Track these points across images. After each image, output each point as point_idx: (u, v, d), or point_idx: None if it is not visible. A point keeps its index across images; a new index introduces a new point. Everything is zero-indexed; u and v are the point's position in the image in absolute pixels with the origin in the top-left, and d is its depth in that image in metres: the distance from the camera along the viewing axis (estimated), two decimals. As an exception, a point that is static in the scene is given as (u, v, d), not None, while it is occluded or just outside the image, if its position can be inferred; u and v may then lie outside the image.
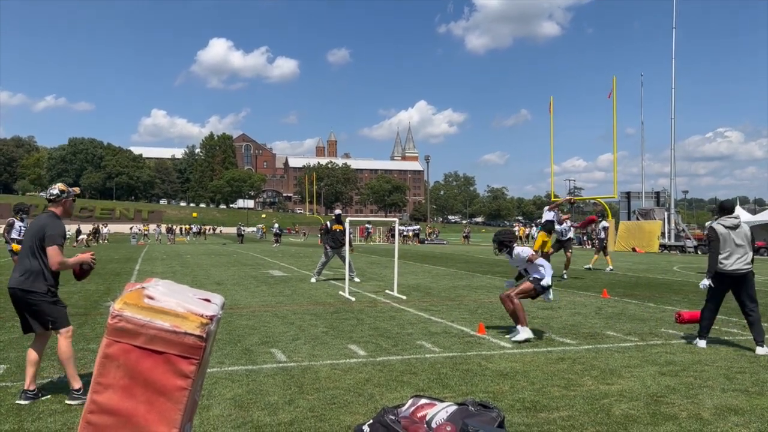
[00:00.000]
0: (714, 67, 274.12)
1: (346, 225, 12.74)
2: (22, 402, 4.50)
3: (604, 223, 18.98)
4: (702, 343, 6.67)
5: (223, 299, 2.81)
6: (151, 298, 2.46)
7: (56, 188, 4.84)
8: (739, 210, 37.51)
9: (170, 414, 2.39)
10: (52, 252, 4.58)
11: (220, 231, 78.60)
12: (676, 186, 37.64)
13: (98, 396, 2.38)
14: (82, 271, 4.85)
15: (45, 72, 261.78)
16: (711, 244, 6.68)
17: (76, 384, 4.55)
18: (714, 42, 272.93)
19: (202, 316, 2.46)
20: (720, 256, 6.61)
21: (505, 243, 7.37)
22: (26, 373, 4.64)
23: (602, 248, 18.37)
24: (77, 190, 5.11)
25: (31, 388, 4.60)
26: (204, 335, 2.43)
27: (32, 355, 4.67)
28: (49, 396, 4.69)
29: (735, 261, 6.53)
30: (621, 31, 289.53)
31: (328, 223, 14.34)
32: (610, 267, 17.83)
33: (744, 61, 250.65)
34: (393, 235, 49.90)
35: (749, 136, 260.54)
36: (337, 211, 14.36)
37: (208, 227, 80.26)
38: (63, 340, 4.64)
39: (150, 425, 2.37)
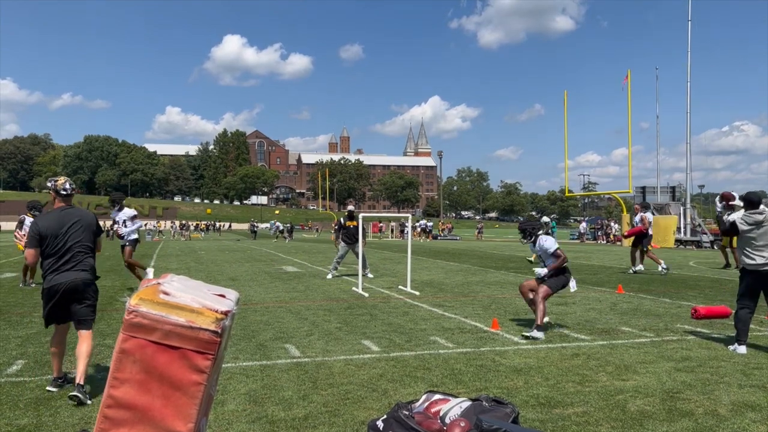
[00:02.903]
0: (730, 59, 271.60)
1: (360, 221, 12.74)
2: (52, 389, 4.74)
3: (544, 218, 19.89)
4: (742, 349, 6.12)
5: (238, 295, 2.83)
6: (166, 293, 2.47)
7: (68, 183, 4.94)
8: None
9: (186, 409, 2.41)
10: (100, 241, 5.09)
11: (222, 226, 78.38)
12: (692, 180, 37.18)
13: (115, 390, 2.40)
14: None
15: (62, 70, 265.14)
16: (728, 236, 6.53)
17: (85, 381, 4.62)
18: (730, 34, 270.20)
19: (216, 311, 2.47)
20: (747, 252, 6.30)
21: (528, 231, 7.36)
22: (54, 363, 4.86)
23: None
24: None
25: (60, 375, 4.85)
26: (219, 330, 2.45)
27: (60, 346, 4.85)
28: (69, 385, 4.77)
29: (760, 258, 6.21)
30: (635, 24, 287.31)
31: (342, 219, 14.33)
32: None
33: (761, 53, 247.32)
34: (402, 231, 50.15)
35: (766, 129, 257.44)
36: (350, 207, 14.36)
37: (222, 224, 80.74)
38: (91, 339, 4.82)
39: (166, 420, 2.39)
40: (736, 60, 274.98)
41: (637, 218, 15.54)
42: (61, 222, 4.76)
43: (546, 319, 7.27)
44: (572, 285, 7.39)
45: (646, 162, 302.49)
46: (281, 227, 47.55)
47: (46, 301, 4.75)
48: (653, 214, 16.19)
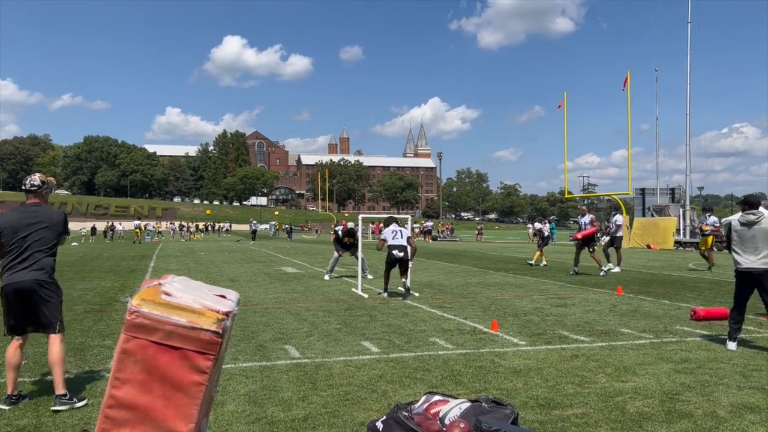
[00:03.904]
0: (730, 61, 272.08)
1: (359, 222, 12.73)
2: (4, 407, 4.35)
3: (537, 226, 20.34)
4: (732, 345, 6.33)
5: (239, 295, 2.84)
6: (167, 294, 2.48)
7: (37, 179, 4.61)
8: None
9: (187, 409, 2.42)
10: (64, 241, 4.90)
11: (222, 227, 78.18)
12: (692, 182, 37.11)
13: (116, 391, 2.41)
14: None
15: (62, 71, 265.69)
16: (727, 238, 6.62)
17: (64, 389, 4.38)
18: (729, 35, 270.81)
19: (218, 312, 2.48)
20: (735, 254, 6.41)
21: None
22: (8, 378, 4.47)
23: (541, 244, 19.20)
24: (53, 179, 4.91)
25: (15, 392, 4.46)
26: (220, 331, 2.46)
27: (17, 358, 4.49)
28: (27, 399, 4.62)
29: (752, 259, 6.28)
30: (635, 26, 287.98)
31: (340, 233, 14.29)
32: (544, 263, 18.53)
33: (760, 55, 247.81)
34: None
35: (766, 131, 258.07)
36: (350, 225, 14.35)
37: (222, 224, 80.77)
38: (61, 343, 4.50)
39: (167, 420, 2.40)
40: (735, 62, 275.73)
41: (587, 219, 15.74)
42: (22, 219, 4.47)
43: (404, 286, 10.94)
44: (396, 254, 10.57)
45: (646, 164, 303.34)
46: (255, 227, 48.16)
47: (4, 304, 4.47)
48: (654, 214, 16.38)
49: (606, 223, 23.36)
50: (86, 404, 4.39)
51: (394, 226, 11.01)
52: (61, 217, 4.71)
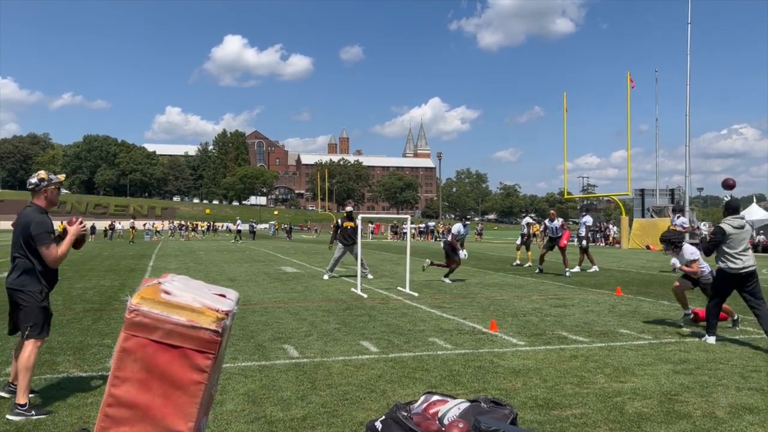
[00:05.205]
0: (730, 61, 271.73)
1: (358, 222, 12.73)
2: (4, 394, 4.38)
3: (528, 219, 20.84)
4: (711, 340, 6.68)
5: (238, 294, 2.84)
6: (167, 293, 2.49)
7: (36, 177, 4.48)
8: (755, 207, 37.17)
9: (186, 408, 2.42)
10: (46, 252, 4.32)
11: (221, 227, 78.05)
12: (691, 183, 37.13)
13: (116, 389, 2.41)
14: (78, 242, 4.64)
15: (62, 70, 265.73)
16: (712, 241, 6.72)
17: (23, 399, 4.15)
18: (729, 36, 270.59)
19: (217, 311, 2.48)
20: (729, 257, 6.60)
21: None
22: (12, 368, 4.52)
23: (527, 243, 19.47)
24: (61, 177, 4.71)
25: (15, 382, 4.41)
26: (220, 330, 2.46)
27: (19, 351, 4.45)
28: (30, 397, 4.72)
29: (744, 260, 6.56)
30: (635, 27, 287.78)
31: (339, 220, 14.29)
32: (518, 262, 18.97)
33: (760, 55, 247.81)
34: (395, 233, 50.44)
35: (765, 132, 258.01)
36: (349, 208, 14.33)
37: (221, 224, 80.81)
38: (32, 347, 4.31)
39: (166, 418, 2.40)
40: (735, 62, 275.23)
41: (557, 223, 15.92)
42: (17, 220, 4.46)
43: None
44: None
45: (645, 164, 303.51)
46: (240, 227, 48.09)
47: None
48: (653, 215, 16.55)
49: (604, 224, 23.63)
50: (47, 418, 4.08)
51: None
52: (28, 220, 4.37)
